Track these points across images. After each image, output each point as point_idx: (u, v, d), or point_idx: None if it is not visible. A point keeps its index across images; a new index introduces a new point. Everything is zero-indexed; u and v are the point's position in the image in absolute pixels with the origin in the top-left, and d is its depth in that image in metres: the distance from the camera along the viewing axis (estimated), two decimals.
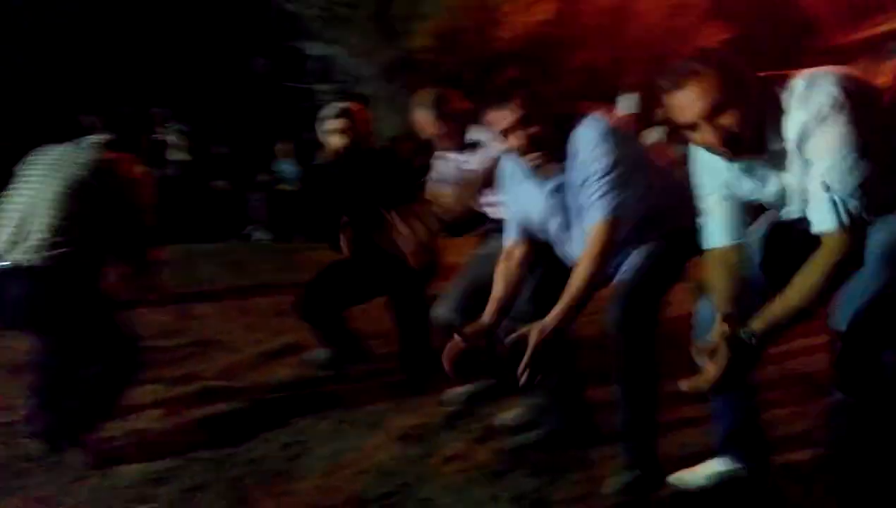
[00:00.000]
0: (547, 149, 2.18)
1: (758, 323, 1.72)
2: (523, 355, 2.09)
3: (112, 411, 2.76)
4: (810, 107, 1.67)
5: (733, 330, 1.75)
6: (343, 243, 3.25)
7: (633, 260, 2.27)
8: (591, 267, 2.11)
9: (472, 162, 3.03)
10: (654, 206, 2.25)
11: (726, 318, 1.79)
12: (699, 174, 2.00)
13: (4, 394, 3.25)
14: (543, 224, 2.35)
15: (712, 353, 1.76)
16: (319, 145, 9.10)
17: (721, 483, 2.17)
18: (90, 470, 2.55)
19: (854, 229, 1.65)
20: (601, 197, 2.11)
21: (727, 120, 1.69)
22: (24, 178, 2.68)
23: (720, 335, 1.76)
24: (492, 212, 3.01)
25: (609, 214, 2.11)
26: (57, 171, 2.63)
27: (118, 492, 2.45)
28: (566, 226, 2.30)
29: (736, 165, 1.86)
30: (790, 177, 1.78)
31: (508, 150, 2.27)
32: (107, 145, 2.75)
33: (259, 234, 8.57)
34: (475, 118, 2.91)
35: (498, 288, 2.39)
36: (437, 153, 3.22)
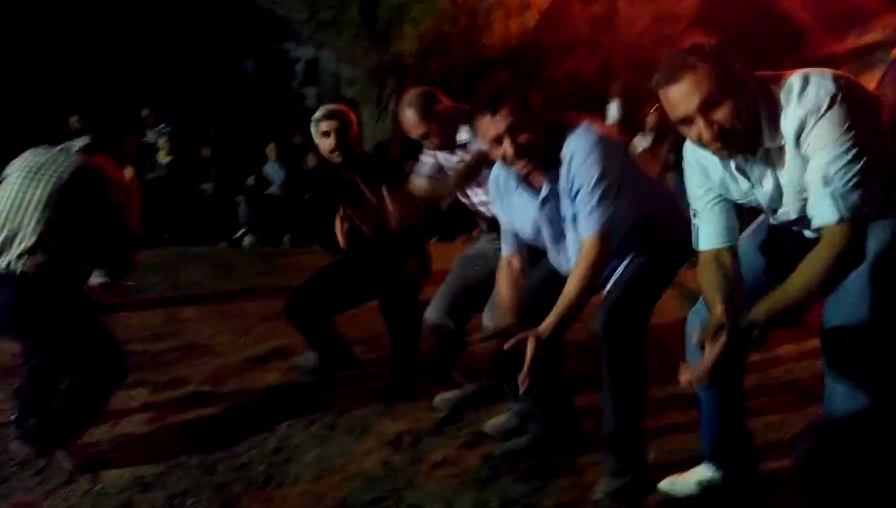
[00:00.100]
0: (537, 158, 2.18)
1: (759, 313, 1.71)
2: (516, 360, 2.09)
3: (98, 416, 2.75)
4: (808, 101, 1.66)
5: (732, 320, 1.74)
6: (340, 235, 3.20)
7: (623, 269, 2.28)
8: (584, 278, 2.13)
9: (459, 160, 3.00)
10: (644, 215, 2.26)
11: (724, 309, 1.79)
12: (691, 175, 1.99)
13: None
14: (535, 233, 2.35)
15: (711, 339, 1.74)
16: (306, 149, 9.08)
17: (708, 490, 2.19)
18: (77, 475, 2.54)
19: (855, 222, 1.62)
20: (594, 209, 2.12)
21: (722, 114, 1.67)
22: (8, 183, 2.66)
23: (718, 324, 1.75)
24: (483, 211, 3.00)
25: (602, 228, 2.12)
26: (41, 177, 2.61)
27: (105, 498, 2.43)
28: (557, 235, 2.31)
29: (730, 164, 1.85)
30: (786, 176, 1.77)
31: (499, 159, 2.26)
32: (91, 149, 2.73)
33: (248, 238, 8.54)
34: (465, 118, 2.88)
35: (509, 297, 2.37)
36: (424, 151, 3.19)
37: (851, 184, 1.61)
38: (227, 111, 11.80)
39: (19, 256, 2.54)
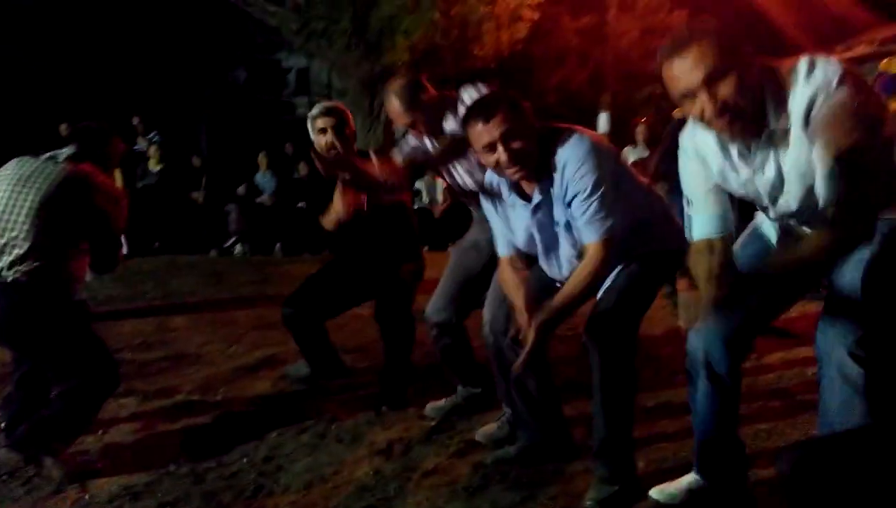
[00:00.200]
0: (530, 165, 2.19)
1: (770, 261, 1.69)
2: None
3: (88, 424, 2.74)
4: (817, 79, 1.64)
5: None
6: (341, 205, 3.10)
7: (615, 276, 2.29)
8: (586, 280, 2.15)
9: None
10: (637, 221, 2.27)
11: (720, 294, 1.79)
12: (688, 164, 1.97)
13: None
14: (527, 240, 2.36)
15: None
16: (298, 158, 9.08)
17: (698, 498, 2.20)
18: (66, 484, 2.52)
19: (863, 200, 1.58)
20: (593, 216, 2.13)
21: (725, 89, 1.65)
22: None
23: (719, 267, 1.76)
24: (469, 184, 2.91)
25: (604, 233, 2.14)
26: (30, 187, 2.62)
27: (94, 507, 2.42)
28: (550, 242, 2.32)
29: (731, 152, 1.83)
30: (790, 160, 1.75)
31: (491, 166, 2.26)
32: (77, 158, 2.74)
33: (238, 247, 8.53)
34: (451, 106, 2.83)
35: (519, 296, 2.34)
36: (407, 136, 3.11)
37: (862, 162, 1.56)
38: (219, 120, 11.80)
39: (10, 265, 2.56)
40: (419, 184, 8.69)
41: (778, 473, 1.41)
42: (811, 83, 1.64)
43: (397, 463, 2.65)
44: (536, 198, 2.25)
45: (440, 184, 8.78)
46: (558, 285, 2.29)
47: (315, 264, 3.65)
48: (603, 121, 10.31)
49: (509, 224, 2.40)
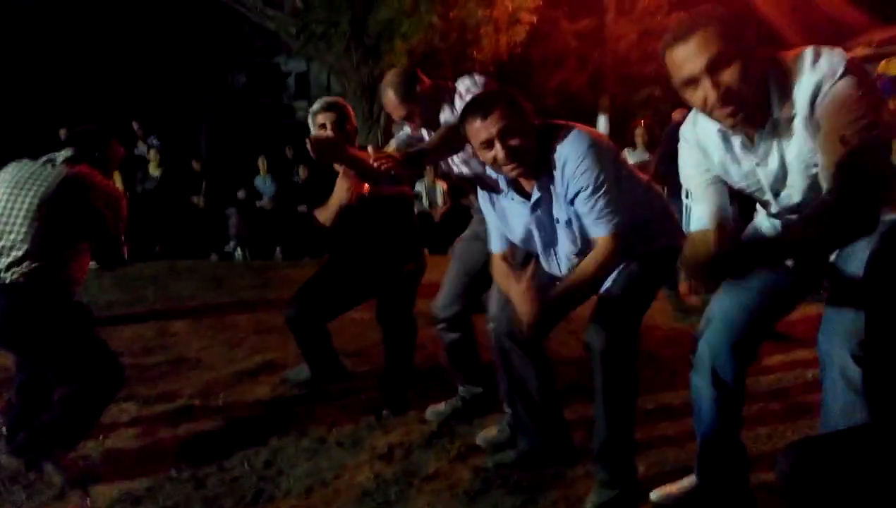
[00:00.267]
0: (527, 162, 2.18)
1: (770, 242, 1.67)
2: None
3: (91, 428, 2.74)
4: (822, 67, 1.61)
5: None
6: (344, 191, 3.08)
7: (615, 279, 2.29)
8: (594, 271, 2.15)
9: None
10: (638, 217, 2.26)
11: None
12: (689, 155, 1.96)
13: None
14: (525, 237, 2.36)
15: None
16: (297, 162, 9.07)
17: (699, 501, 2.20)
18: (67, 490, 2.52)
19: (871, 187, 1.53)
20: (602, 211, 2.13)
21: (729, 75, 1.62)
22: None
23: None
24: (465, 173, 2.90)
25: (613, 228, 2.14)
26: (28, 190, 2.63)
27: None
28: (548, 239, 2.32)
29: (734, 143, 1.82)
30: (793, 150, 1.73)
31: (489, 163, 2.25)
32: (75, 160, 2.74)
33: (238, 251, 8.54)
34: (447, 96, 2.83)
35: (514, 287, 2.29)
36: (404, 127, 3.11)
37: (869, 148, 1.54)
38: (218, 124, 11.81)
39: (8, 267, 2.56)
40: (419, 187, 8.69)
41: (777, 473, 1.40)
42: (817, 71, 1.63)
43: (398, 468, 2.66)
44: (535, 195, 2.24)
45: (440, 187, 8.79)
46: (558, 283, 2.30)
47: (315, 268, 3.64)
48: (602, 124, 10.33)
49: (506, 219, 2.40)
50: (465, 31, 10.03)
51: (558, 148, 2.16)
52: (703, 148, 1.90)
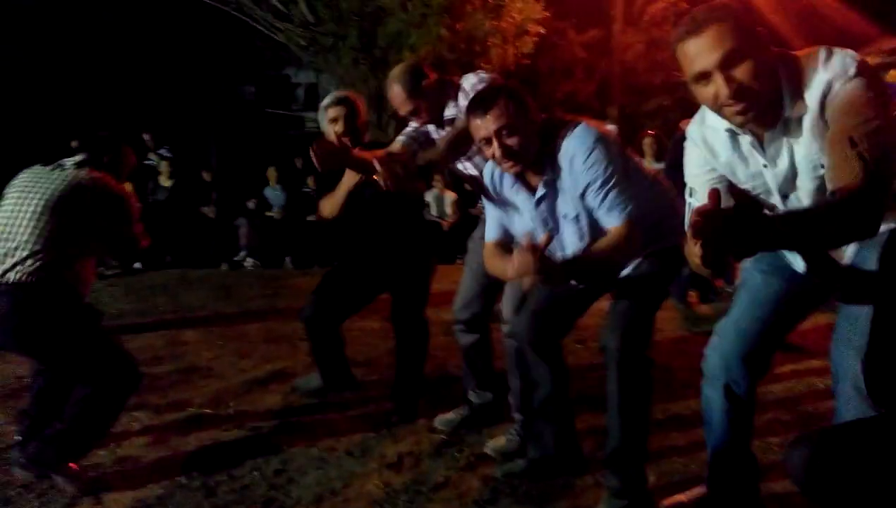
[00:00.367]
0: (525, 161, 2.19)
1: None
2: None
3: (106, 432, 2.74)
4: (834, 67, 1.60)
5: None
6: (351, 177, 3.07)
7: (626, 281, 2.29)
8: (608, 249, 2.14)
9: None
10: (646, 213, 2.25)
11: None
12: (695, 153, 1.94)
13: None
14: (531, 231, 2.33)
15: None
16: (307, 172, 9.10)
17: None
18: (79, 498, 2.54)
19: (879, 187, 1.49)
20: (614, 202, 2.14)
21: (742, 72, 1.59)
22: (5, 201, 2.71)
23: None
24: (474, 173, 2.90)
25: (627, 215, 2.14)
26: (36, 192, 2.66)
27: None
28: (555, 234, 2.29)
29: (743, 143, 1.80)
30: (802, 150, 1.71)
31: (491, 159, 2.26)
32: (85, 165, 2.77)
33: (248, 261, 8.58)
34: (454, 92, 2.85)
35: (510, 264, 2.21)
36: (410, 123, 3.10)
37: (878, 149, 1.51)
38: (229, 135, 11.88)
39: (14, 266, 2.57)
40: (428, 197, 8.71)
41: (790, 466, 1.39)
42: (829, 70, 1.61)
43: (407, 477, 2.66)
44: (541, 190, 2.24)
45: (449, 197, 8.81)
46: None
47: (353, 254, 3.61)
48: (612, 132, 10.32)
49: (513, 212, 2.39)
50: (472, 43, 10.07)
51: (565, 143, 2.16)
52: (710, 146, 1.88)
